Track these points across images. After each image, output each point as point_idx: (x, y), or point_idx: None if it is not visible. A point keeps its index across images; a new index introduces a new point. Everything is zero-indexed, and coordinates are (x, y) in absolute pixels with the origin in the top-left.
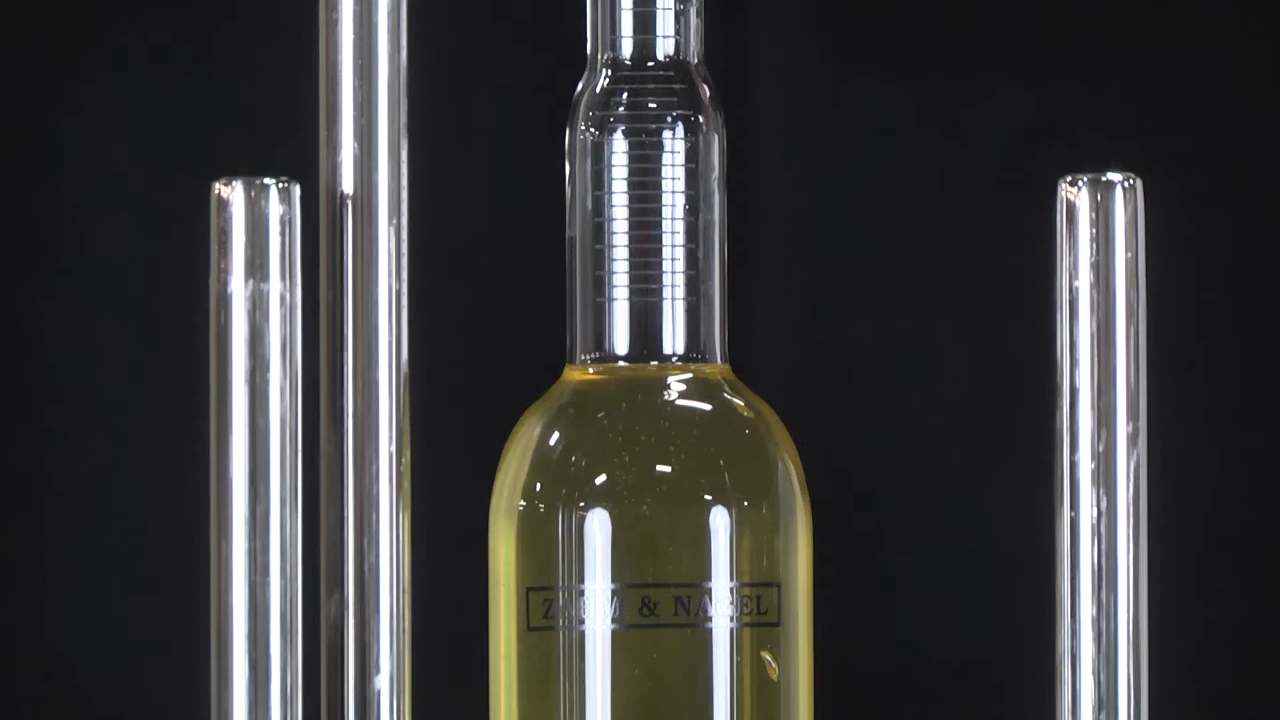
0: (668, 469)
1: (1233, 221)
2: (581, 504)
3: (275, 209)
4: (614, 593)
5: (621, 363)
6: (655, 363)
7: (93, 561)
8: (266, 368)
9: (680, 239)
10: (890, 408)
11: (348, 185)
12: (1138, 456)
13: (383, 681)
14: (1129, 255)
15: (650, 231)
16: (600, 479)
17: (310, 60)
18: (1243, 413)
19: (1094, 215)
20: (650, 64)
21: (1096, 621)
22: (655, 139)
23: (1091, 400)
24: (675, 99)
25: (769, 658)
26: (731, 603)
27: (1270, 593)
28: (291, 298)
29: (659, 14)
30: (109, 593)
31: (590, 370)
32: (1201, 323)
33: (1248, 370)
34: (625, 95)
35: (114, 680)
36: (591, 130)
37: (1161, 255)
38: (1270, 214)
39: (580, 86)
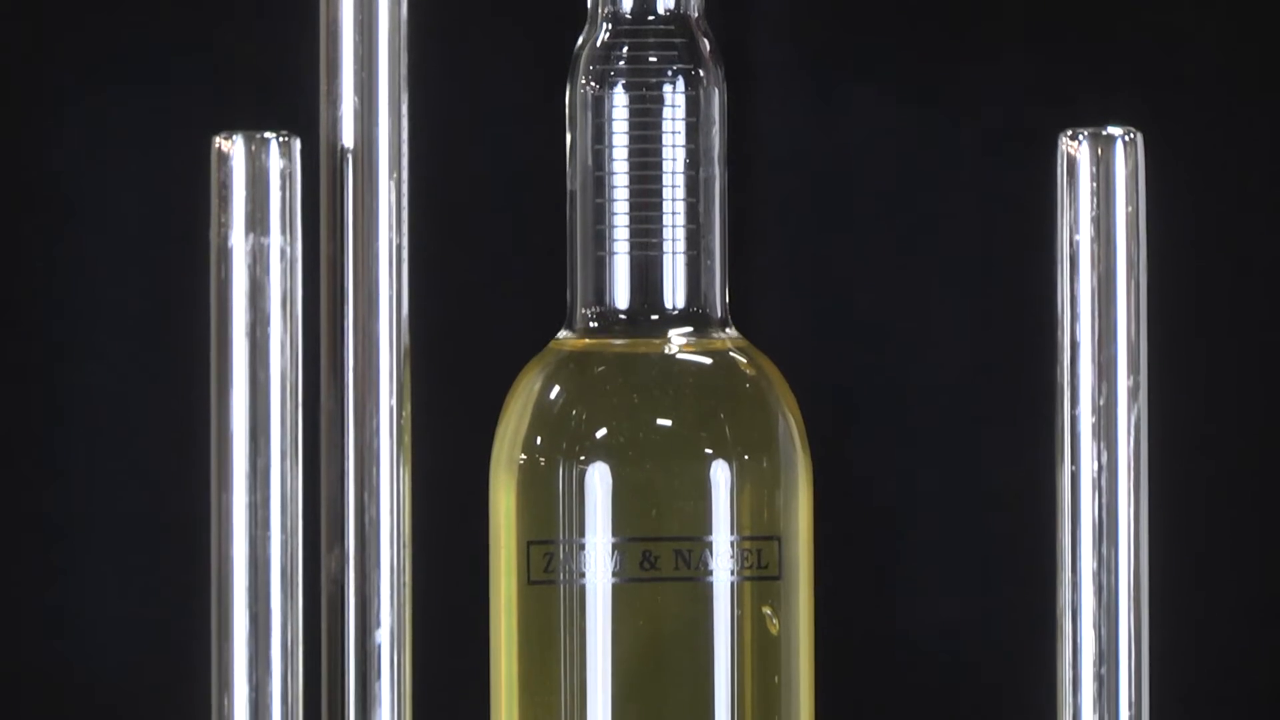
0: (668, 422)
1: (1233, 174)
2: (582, 458)
3: (276, 163)
4: (614, 546)
5: (622, 316)
6: (656, 316)
7: (94, 545)
8: (267, 322)
9: (681, 193)
10: (891, 362)
11: (348, 139)
12: (1138, 410)
13: (383, 636)
14: (1130, 209)
15: (651, 185)
16: (601, 432)
17: (311, 14)
18: (1244, 366)
19: (1094, 169)
20: (650, 18)
21: (1097, 575)
22: (656, 93)
23: (1092, 354)
24: (676, 53)
25: (769, 612)
26: (732, 556)
27: (1272, 547)
28: (292, 252)
29: None
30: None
31: (591, 324)
32: (1202, 277)
33: (1248, 324)
34: (625, 49)
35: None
36: (592, 84)
37: (1162, 209)
38: (1271, 168)
39: (580, 40)
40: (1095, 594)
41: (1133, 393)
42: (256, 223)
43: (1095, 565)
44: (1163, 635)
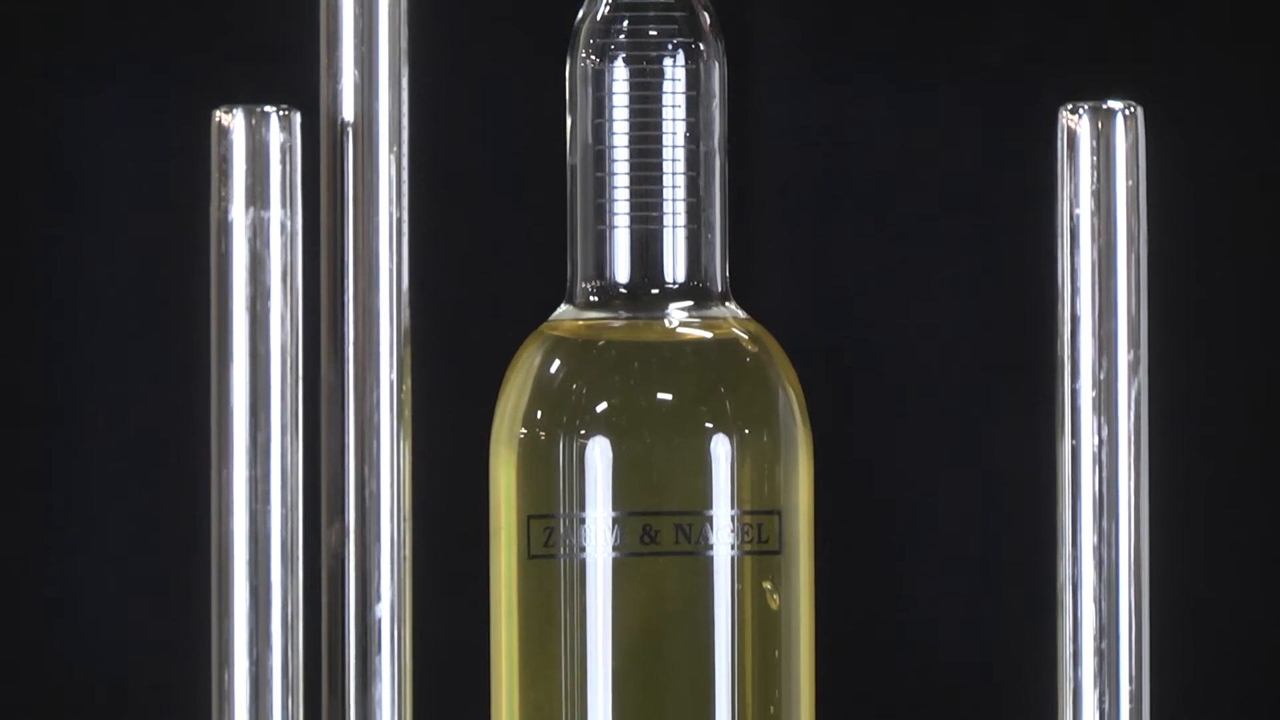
0: (668, 397)
1: (1233, 148)
2: (582, 432)
3: (276, 137)
4: (615, 521)
5: (622, 291)
6: (656, 291)
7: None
8: (267, 295)
9: (681, 166)
10: (891, 336)
11: (348, 113)
12: (1139, 384)
13: (383, 610)
14: (1130, 183)
15: (651, 160)
16: (601, 407)
17: None
18: (1244, 340)
19: (1095, 143)
20: None
21: (1098, 549)
22: (656, 66)
23: (1093, 328)
24: (676, 26)
25: (769, 587)
26: (732, 530)
27: (1274, 520)
28: (292, 225)
29: None
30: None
31: (591, 298)
32: (1202, 251)
33: (1248, 296)
34: (626, 23)
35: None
36: (592, 58)
37: (1162, 183)
38: (1271, 141)
39: (580, 14)
40: (1095, 568)
41: (1133, 367)
42: (257, 197)
43: (1095, 539)
44: (1163, 609)
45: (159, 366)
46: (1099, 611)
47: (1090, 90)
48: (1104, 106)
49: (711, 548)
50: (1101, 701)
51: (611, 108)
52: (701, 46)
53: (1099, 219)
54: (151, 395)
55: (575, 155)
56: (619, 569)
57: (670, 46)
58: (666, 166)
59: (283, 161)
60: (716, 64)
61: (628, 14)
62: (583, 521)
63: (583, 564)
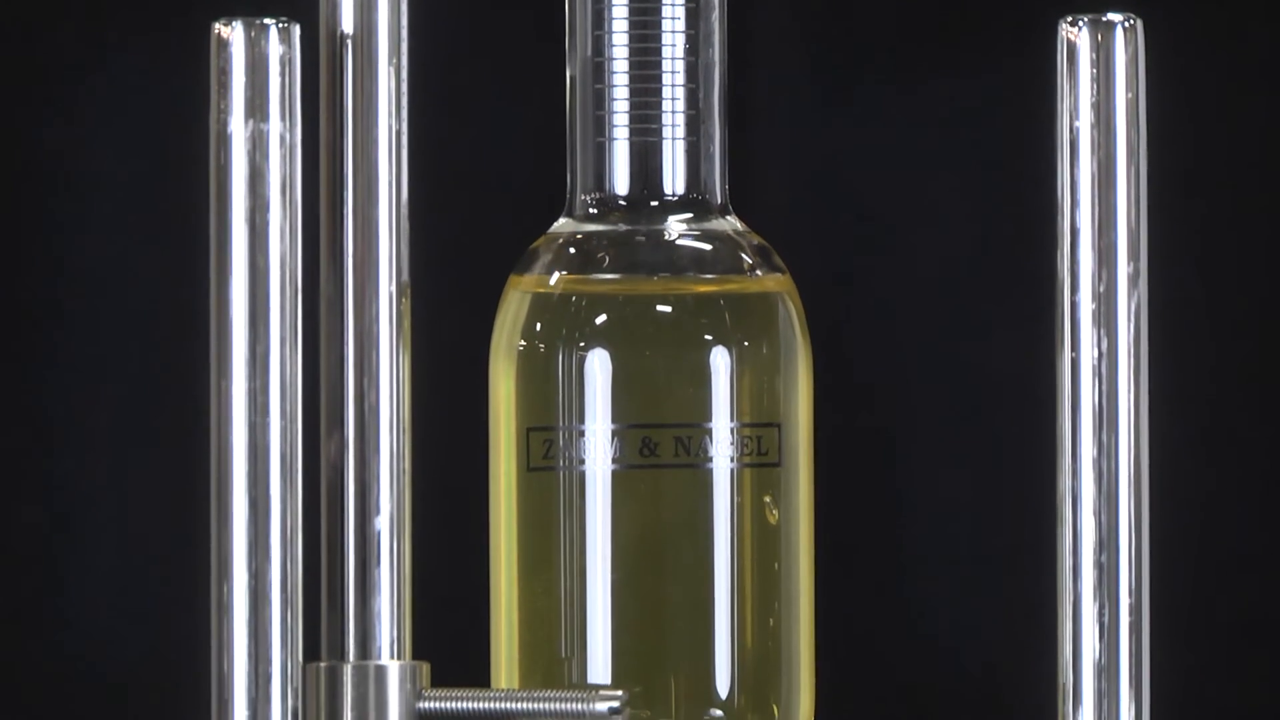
0: (668, 309)
1: (1233, 60)
2: (581, 344)
3: (275, 49)
4: (614, 433)
5: (622, 202)
6: (655, 203)
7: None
8: (266, 208)
9: (680, 79)
10: (890, 248)
11: (347, 25)
12: (1138, 297)
13: (382, 522)
14: (1129, 95)
15: (650, 71)
16: (600, 318)
17: None
18: (1245, 249)
19: (1094, 55)
20: None
21: (1097, 462)
22: None
23: (1092, 241)
24: None
25: (769, 501)
26: (732, 443)
27: (1275, 430)
28: (291, 138)
29: None
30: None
31: (590, 210)
32: (1201, 162)
33: (1249, 208)
34: None
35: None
36: None
37: (1161, 95)
38: (1271, 55)
39: None
40: (1095, 481)
41: (1133, 279)
42: (256, 109)
43: (1095, 452)
44: (1163, 521)
45: (157, 277)
46: (1099, 525)
47: (1090, 2)
48: (1103, 19)
49: (711, 460)
50: (1101, 615)
51: (611, 19)
52: None
53: (1099, 132)
54: (150, 306)
55: (574, 67)
56: (618, 481)
57: None
58: (666, 79)
59: (282, 74)
60: None
61: None
62: (582, 434)
63: (582, 476)
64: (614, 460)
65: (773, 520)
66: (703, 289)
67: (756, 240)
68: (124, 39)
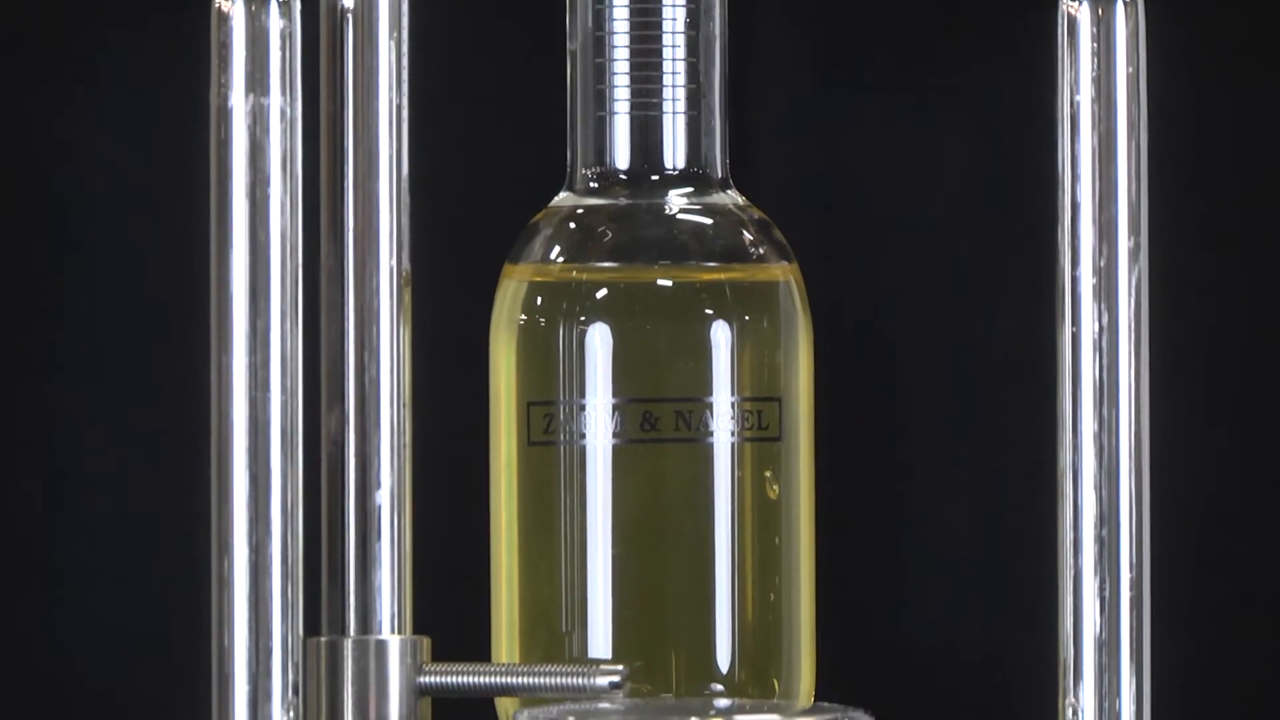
0: (669, 283)
1: (1235, 34)
2: (582, 318)
3: (275, 23)
4: (615, 407)
5: (622, 177)
6: (656, 177)
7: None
8: (267, 182)
9: (681, 53)
10: (891, 221)
11: None
12: (1139, 271)
13: (383, 497)
14: (1130, 70)
15: (651, 45)
16: (601, 293)
17: None
18: (1245, 223)
19: (1095, 29)
20: None
21: (1098, 437)
22: None
23: (1093, 215)
24: None
25: (769, 475)
26: (733, 417)
27: (1275, 403)
28: (292, 112)
29: None
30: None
31: (591, 184)
32: (1201, 137)
33: (1248, 181)
34: None
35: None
36: None
37: (1163, 69)
38: (1273, 27)
39: None
40: (1096, 456)
41: (1133, 254)
42: (256, 83)
43: (1096, 427)
44: (1163, 496)
45: (158, 252)
46: (1099, 499)
47: None
48: None
49: (712, 434)
50: (1102, 589)
51: None
52: None
53: (1099, 106)
54: (151, 285)
55: (575, 41)
56: (619, 456)
57: None
58: (667, 53)
59: (282, 48)
60: None
61: None
62: (583, 408)
63: (583, 451)
64: (615, 435)
65: (773, 496)
66: (703, 263)
67: (757, 214)
68: (121, 12)
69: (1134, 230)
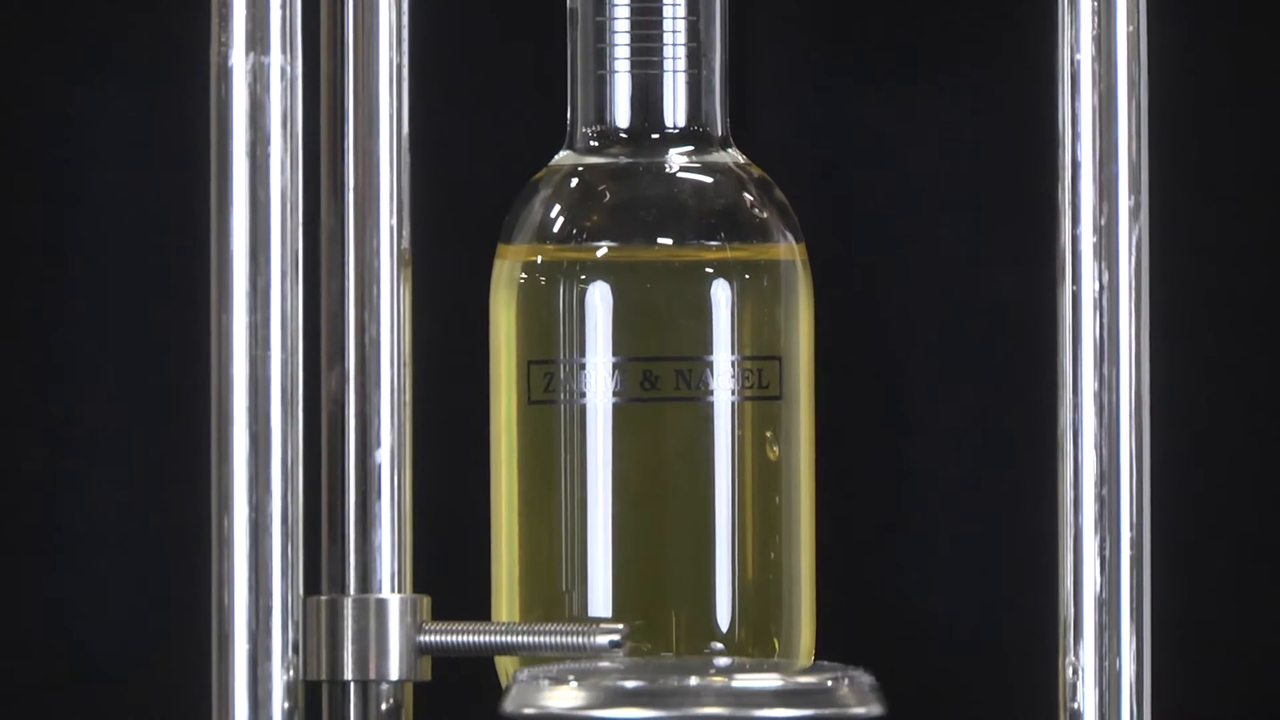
0: (669, 241)
1: None
2: (583, 276)
3: None
4: (615, 366)
5: (623, 135)
6: (656, 135)
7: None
8: (267, 141)
9: (681, 10)
10: (890, 180)
11: None
12: (1139, 230)
13: (383, 455)
14: (1130, 29)
15: (651, 3)
16: (601, 251)
17: None
18: (1247, 181)
19: None
20: None
21: (1098, 395)
22: None
23: (1094, 174)
24: None
25: (770, 436)
26: (733, 376)
27: (1275, 362)
28: (292, 70)
29: None
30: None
31: (592, 143)
32: (1201, 95)
33: (1249, 139)
34: None
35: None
36: None
37: (1163, 28)
38: None
39: None
40: (1096, 414)
41: (1133, 212)
42: (256, 42)
43: (1096, 385)
44: (1163, 454)
45: (157, 216)
46: (1099, 458)
47: None
48: None
49: (712, 393)
50: (1102, 548)
51: None
52: None
53: (1100, 65)
54: (154, 245)
55: None
56: (619, 415)
57: None
58: (667, 10)
59: (283, 6)
60: None
61: None
62: (583, 367)
63: (583, 410)
64: (615, 393)
65: (773, 457)
66: (703, 221)
67: (757, 173)
68: None
69: (1134, 189)
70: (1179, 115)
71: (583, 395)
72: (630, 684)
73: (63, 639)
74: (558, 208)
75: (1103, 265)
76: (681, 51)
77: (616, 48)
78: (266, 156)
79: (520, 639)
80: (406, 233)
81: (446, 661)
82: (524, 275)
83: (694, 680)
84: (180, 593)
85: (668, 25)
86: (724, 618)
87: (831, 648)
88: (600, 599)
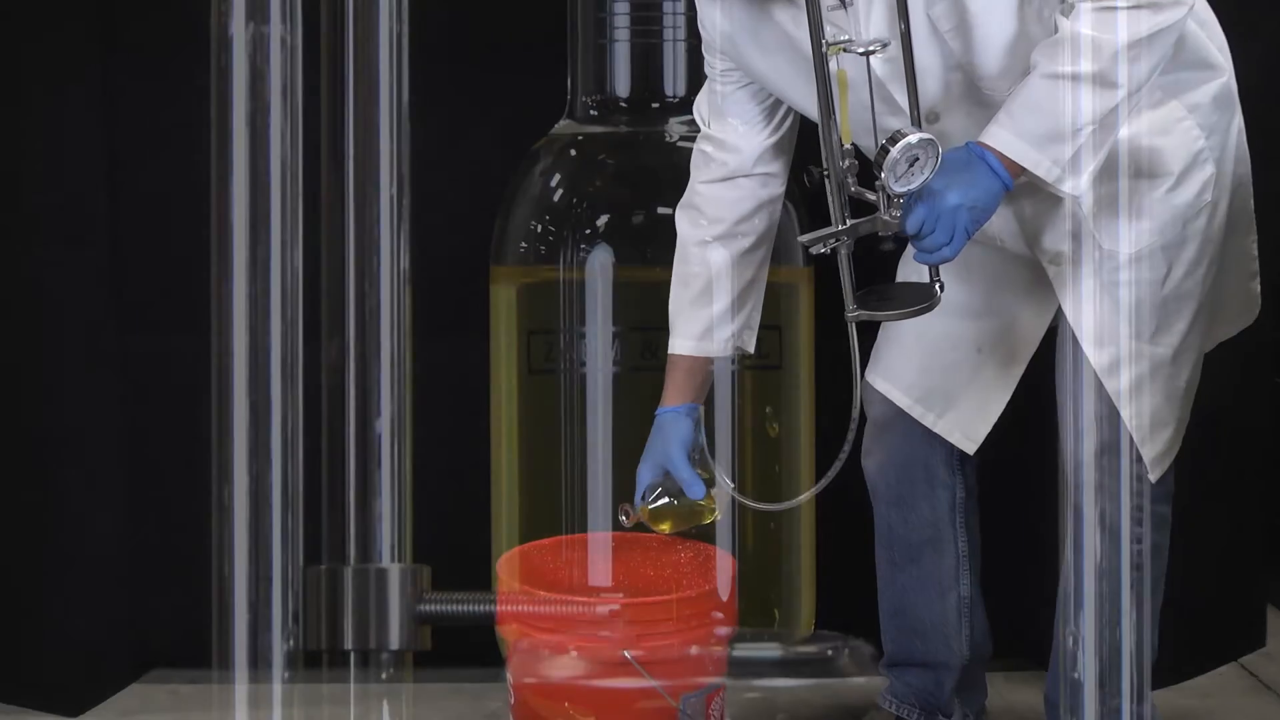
0: (669, 210)
1: None
2: (583, 246)
3: None
4: (615, 335)
5: (623, 104)
6: (656, 105)
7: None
8: (267, 110)
9: None
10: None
11: None
12: None
13: (383, 425)
14: None
15: None
16: (601, 220)
17: None
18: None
19: None
20: None
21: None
22: None
23: None
24: None
25: (770, 413)
26: None
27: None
28: (292, 40)
29: None
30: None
31: (592, 112)
32: None
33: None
34: None
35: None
36: None
37: None
38: None
39: None
40: (1095, 386)
41: None
42: (257, 11)
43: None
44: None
45: (159, 194)
46: (1100, 429)
47: None
48: None
49: (711, 362)
50: (1102, 519)
51: None
52: None
53: None
54: (148, 217)
55: None
56: (619, 383)
57: None
58: None
59: None
60: None
61: None
62: (583, 336)
63: (583, 379)
64: (615, 363)
65: (773, 434)
66: None
67: None
68: None
69: None
70: None
71: (583, 364)
72: None
73: (61, 599)
74: (558, 177)
75: None
76: (681, 21)
77: (617, 17)
78: (267, 126)
79: (520, 609)
80: (407, 202)
81: (447, 630)
82: (525, 245)
83: None
84: (180, 564)
85: None
86: (724, 589)
87: (831, 618)
88: (601, 568)
